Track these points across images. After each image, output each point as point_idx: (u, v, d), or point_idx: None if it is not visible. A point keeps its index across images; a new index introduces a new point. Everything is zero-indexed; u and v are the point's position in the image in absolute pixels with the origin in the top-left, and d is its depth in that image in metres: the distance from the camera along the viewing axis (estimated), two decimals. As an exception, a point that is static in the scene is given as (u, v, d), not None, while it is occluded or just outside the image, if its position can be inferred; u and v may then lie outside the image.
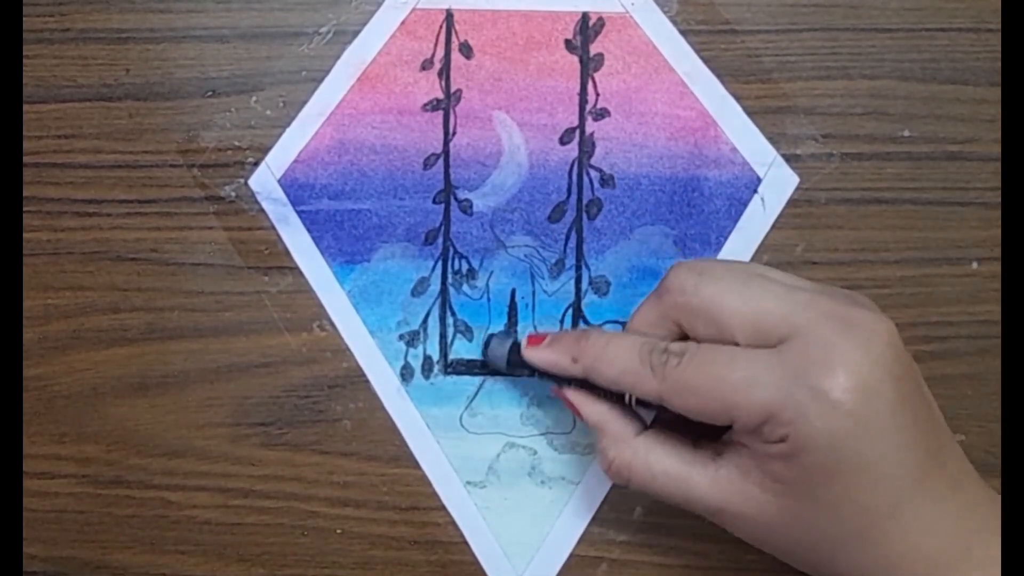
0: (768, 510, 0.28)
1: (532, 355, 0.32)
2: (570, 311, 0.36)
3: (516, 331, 0.36)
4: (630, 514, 0.36)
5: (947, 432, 0.29)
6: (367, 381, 0.36)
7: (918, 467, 0.27)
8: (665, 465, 0.30)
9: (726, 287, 0.29)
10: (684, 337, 0.30)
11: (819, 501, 0.27)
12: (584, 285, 0.36)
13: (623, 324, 0.35)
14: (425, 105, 0.36)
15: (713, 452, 0.30)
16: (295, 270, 0.36)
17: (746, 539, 0.30)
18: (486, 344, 0.35)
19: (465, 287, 0.36)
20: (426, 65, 0.36)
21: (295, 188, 0.36)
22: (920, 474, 0.27)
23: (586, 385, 0.32)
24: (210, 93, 0.36)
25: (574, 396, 0.32)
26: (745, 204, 0.36)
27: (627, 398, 0.31)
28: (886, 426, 0.27)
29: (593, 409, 0.32)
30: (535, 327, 0.36)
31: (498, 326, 0.36)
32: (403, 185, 0.36)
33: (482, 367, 0.36)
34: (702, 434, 0.31)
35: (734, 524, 0.29)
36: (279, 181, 0.36)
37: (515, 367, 0.34)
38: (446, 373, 0.36)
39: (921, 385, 0.28)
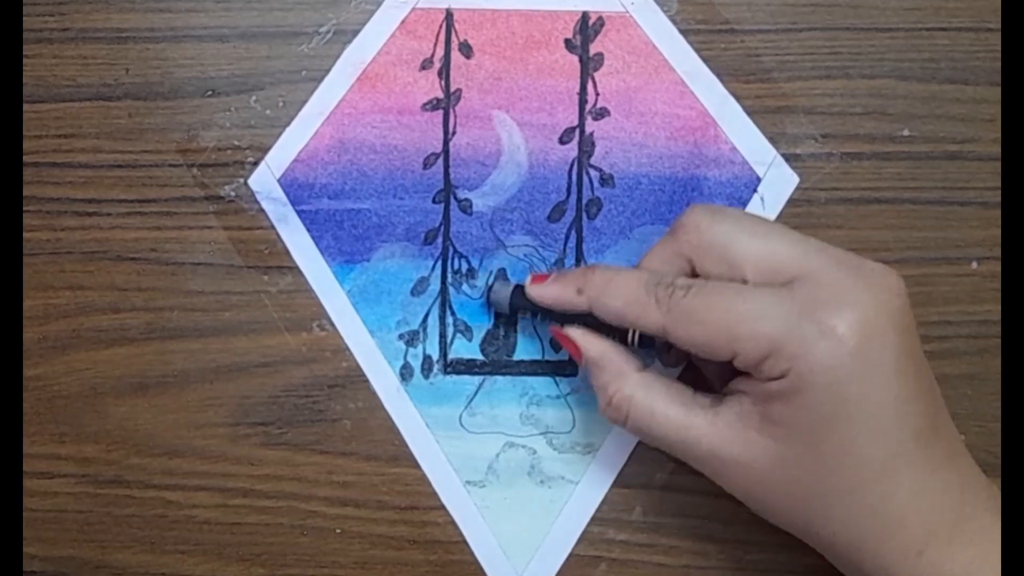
0: (766, 457, 0.28)
1: (536, 291, 0.32)
2: (570, 311, 0.36)
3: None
4: (629, 514, 0.36)
5: (942, 400, 0.29)
6: (367, 381, 0.36)
7: (918, 424, 0.27)
8: (664, 405, 0.30)
9: (740, 227, 0.29)
10: (695, 277, 0.30)
11: (819, 448, 0.27)
12: (584, 285, 0.36)
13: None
14: (425, 105, 0.36)
15: (712, 399, 0.30)
16: (295, 270, 0.36)
17: (740, 494, 0.30)
18: (488, 288, 0.35)
19: (465, 287, 0.36)
20: (426, 64, 0.36)
21: (295, 188, 0.36)
22: (919, 432, 0.27)
23: (587, 327, 0.32)
24: (210, 93, 0.36)
25: (574, 332, 0.32)
26: (745, 204, 0.36)
27: (629, 337, 0.31)
28: (890, 372, 0.27)
29: (594, 344, 0.31)
30: (534, 325, 0.36)
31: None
32: (403, 185, 0.36)
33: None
34: (699, 387, 0.31)
35: (730, 472, 0.29)
36: (279, 181, 0.36)
37: (517, 309, 0.34)
38: (446, 373, 0.36)
39: (920, 346, 0.28)
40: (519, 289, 0.33)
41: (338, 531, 0.36)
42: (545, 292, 0.32)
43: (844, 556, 0.29)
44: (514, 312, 0.34)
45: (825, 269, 0.28)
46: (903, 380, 0.27)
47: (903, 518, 0.27)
